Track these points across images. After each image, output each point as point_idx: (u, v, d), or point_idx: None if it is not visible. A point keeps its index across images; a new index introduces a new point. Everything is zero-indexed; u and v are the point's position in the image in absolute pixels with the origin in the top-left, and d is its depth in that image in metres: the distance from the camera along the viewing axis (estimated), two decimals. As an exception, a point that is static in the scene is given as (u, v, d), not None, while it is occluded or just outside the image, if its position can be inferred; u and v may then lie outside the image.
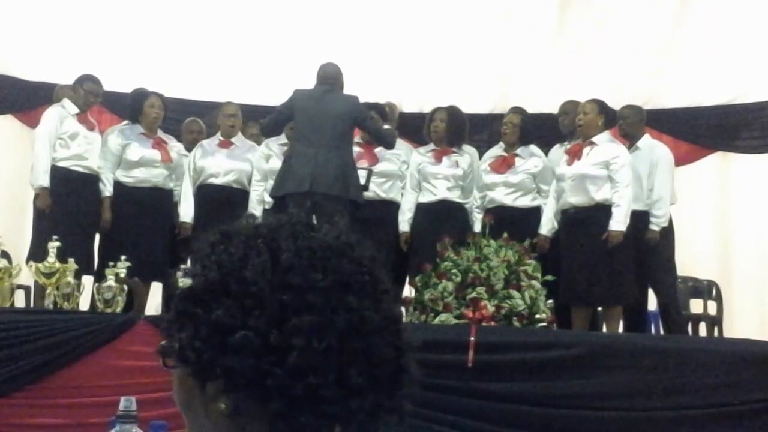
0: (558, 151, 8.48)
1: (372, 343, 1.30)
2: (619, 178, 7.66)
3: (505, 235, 7.58)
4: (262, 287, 1.29)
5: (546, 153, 8.59)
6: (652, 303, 8.36)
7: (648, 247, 7.93)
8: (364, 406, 1.30)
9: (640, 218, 7.85)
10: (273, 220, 1.39)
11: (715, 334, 8.61)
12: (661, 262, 8.12)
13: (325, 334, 1.27)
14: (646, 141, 8.34)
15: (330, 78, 7.95)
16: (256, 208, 8.40)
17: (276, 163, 8.15)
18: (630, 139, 8.28)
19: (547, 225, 8.09)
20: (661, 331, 8.35)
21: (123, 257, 7.53)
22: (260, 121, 8.31)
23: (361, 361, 1.29)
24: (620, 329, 7.90)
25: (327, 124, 7.68)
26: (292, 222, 1.38)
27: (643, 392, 6.61)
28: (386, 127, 8.21)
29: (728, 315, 9.00)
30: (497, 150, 8.60)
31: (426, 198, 8.36)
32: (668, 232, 8.15)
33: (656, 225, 8.00)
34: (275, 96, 8.50)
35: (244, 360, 1.27)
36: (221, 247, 1.37)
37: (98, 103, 8.80)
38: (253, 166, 8.60)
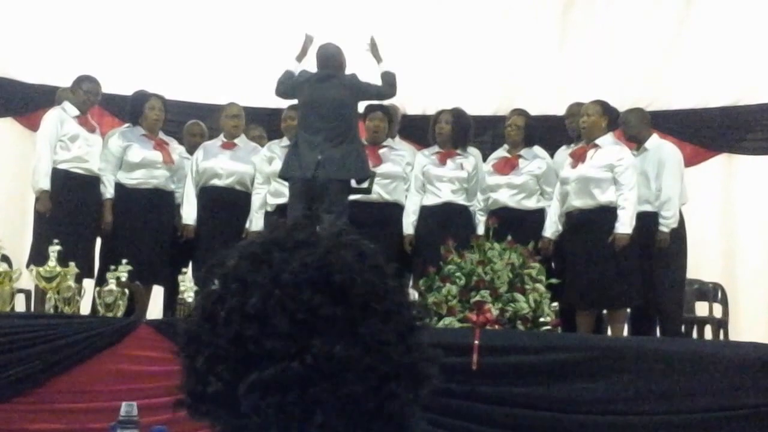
0: (564, 152, 8.43)
1: (344, 380, 1.26)
2: (624, 180, 7.62)
3: (509, 237, 7.54)
4: (224, 342, 1.28)
5: (551, 155, 8.55)
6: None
7: (657, 249, 7.85)
8: None
9: (649, 220, 7.79)
10: (255, 248, 1.35)
11: (721, 336, 8.56)
12: (670, 262, 8.02)
13: (285, 386, 1.25)
14: (654, 141, 8.25)
15: (330, 60, 7.93)
16: (258, 212, 8.38)
17: (278, 166, 8.11)
18: (637, 141, 8.21)
19: (551, 228, 8.06)
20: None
21: (124, 261, 7.50)
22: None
23: (332, 402, 1.26)
24: (625, 332, 7.86)
25: (329, 112, 7.69)
26: (270, 252, 1.33)
27: (649, 396, 6.58)
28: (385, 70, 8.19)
29: (734, 317, 8.94)
30: (501, 152, 8.57)
31: (430, 200, 8.32)
32: (679, 233, 8.05)
33: (665, 227, 7.89)
34: (275, 98, 8.46)
35: (222, 410, 1.29)
36: (204, 290, 1.36)
37: (98, 102, 8.76)
38: (256, 169, 8.56)
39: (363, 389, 1.27)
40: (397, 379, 1.30)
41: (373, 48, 8.23)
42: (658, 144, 8.26)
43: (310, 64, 8.07)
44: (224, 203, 8.47)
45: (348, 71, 8.04)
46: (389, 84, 8.08)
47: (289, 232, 1.35)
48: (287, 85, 8.06)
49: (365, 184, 7.87)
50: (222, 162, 8.59)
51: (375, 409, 1.28)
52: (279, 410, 1.25)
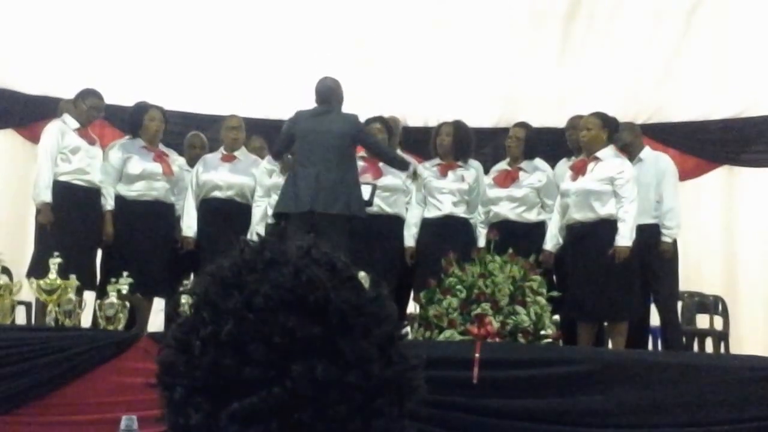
0: (564, 165, 8.44)
1: (328, 402, 1.23)
2: (625, 193, 7.62)
3: (510, 250, 7.53)
4: (201, 372, 1.25)
5: (552, 167, 8.55)
6: (655, 318, 8.31)
7: (655, 261, 7.88)
8: None
9: (647, 231, 7.80)
10: (226, 271, 1.30)
11: (722, 349, 8.56)
12: (665, 275, 8.07)
13: (267, 414, 1.22)
14: (648, 152, 8.34)
15: (328, 95, 7.90)
16: (258, 224, 8.38)
17: (278, 179, 8.12)
18: (630, 153, 8.24)
19: (552, 240, 8.05)
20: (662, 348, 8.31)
21: (125, 273, 7.49)
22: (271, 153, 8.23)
23: (317, 426, 1.22)
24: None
25: (327, 145, 7.65)
26: (240, 275, 1.29)
27: (649, 409, 6.57)
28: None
29: (735, 330, 8.95)
30: (503, 165, 8.58)
31: (431, 213, 8.32)
32: (673, 244, 8.11)
33: (669, 237, 7.98)
34: (278, 109, 8.50)
35: None
36: (179, 319, 1.33)
37: (100, 117, 8.76)
38: (256, 181, 8.56)
39: (347, 409, 1.23)
40: (381, 395, 1.25)
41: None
42: (654, 156, 8.32)
43: (310, 96, 8.03)
44: (224, 215, 8.46)
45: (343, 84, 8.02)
46: (393, 154, 8.21)
47: (258, 251, 1.31)
48: (278, 145, 8.07)
49: (366, 197, 7.87)
50: (222, 174, 8.60)
51: (361, 428, 1.24)
52: None
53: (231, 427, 1.22)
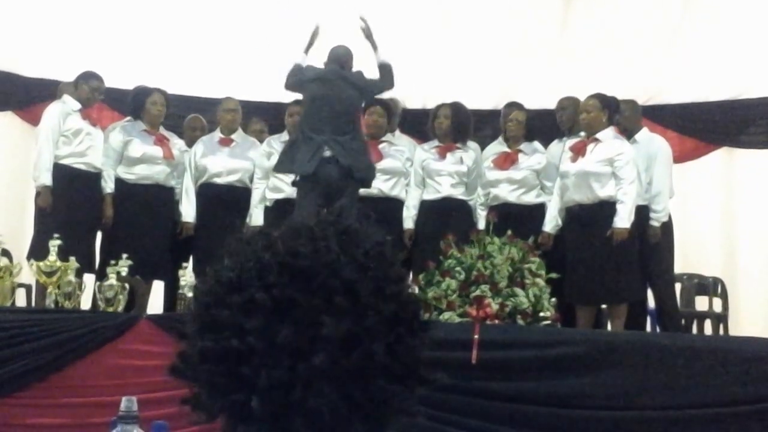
0: (557, 146, 8.43)
1: (277, 366, 1.26)
2: (624, 174, 7.61)
3: (509, 232, 7.53)
4: (200, 307, 1.34)
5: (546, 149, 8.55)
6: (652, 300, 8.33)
7: (647, 243, 7.88)
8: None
9: (639, 213, 7.81)
10: (282, 228, 1.37)
11: (721, 331, 8.57)
12: (659, 257, 8.07)
13: (219, 358, 1.28)
14: (644, 134, 8.31)
15: (340, 62, 7.87)
16: (257, 206, 8.37)
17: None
18: (627, 132, 8.23)
19: (551, 222, 8.05)
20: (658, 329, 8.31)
21: (124, 255, 7.49)
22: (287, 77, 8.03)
23: (259, 384, 1.26)
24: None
25: (336, 113, 7.60)
26: (286, 234, 1.35)
27: (648, 391, 6.57)
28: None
29: (734, 312, 8.94)
30: (498, 146, 8.55)
31: (430, 195, 8.32)
32: (667, 227, 8.10)
33: (656, 221, 7.96)
34: (278, 92, 8.46)
35: (189, 372, 1.34)
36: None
37: (101, 100, 8.75)
38: (255, 164, 8.55)
39: (290, 378, 1.26)
40: (329, 380, 1.26)
41: (367, 33, 8.08)
42: (648, 137, 8.30)
43: (317, 60, 8.01)
44: (224, 200, 8.46)
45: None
46: (386, 76, 7.95)
47: (317, 216, 1.38)
48: (296, 79, 7.95)
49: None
50: (221, 160, 8.58)
51: (298, 402, 1.26)
52: (208, 380, 1.29)
53: (194, 360, 1.31)
